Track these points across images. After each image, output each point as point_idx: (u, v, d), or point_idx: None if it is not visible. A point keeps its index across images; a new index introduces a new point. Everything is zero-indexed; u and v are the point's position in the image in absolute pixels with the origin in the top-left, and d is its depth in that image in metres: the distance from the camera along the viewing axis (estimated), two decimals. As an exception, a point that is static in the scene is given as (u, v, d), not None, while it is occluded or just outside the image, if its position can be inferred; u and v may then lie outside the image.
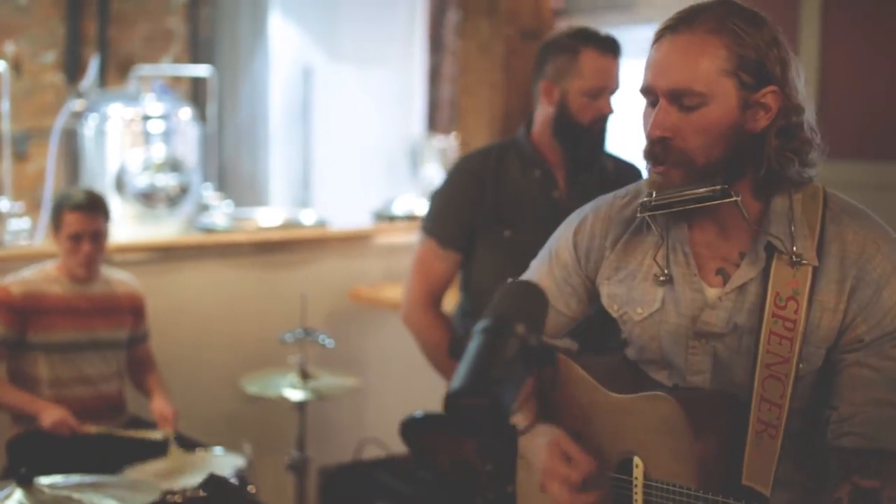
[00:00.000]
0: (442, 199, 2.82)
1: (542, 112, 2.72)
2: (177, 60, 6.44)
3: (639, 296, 1.69)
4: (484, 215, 2.72)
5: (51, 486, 2.49)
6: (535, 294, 1.21)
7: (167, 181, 5.44)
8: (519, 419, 1.72)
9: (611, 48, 2.64)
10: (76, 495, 2.45)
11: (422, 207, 5.63)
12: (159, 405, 3.41)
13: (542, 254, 1.86)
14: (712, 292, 1.63)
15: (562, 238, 1.82)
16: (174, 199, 5.47)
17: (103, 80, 6.10)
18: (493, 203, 2.72)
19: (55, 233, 3.34)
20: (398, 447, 3.80)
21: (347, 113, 6.45)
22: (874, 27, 4.17)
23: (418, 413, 2.94)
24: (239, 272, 4.11)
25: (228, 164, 6.61)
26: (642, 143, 1.61)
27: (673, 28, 1.55)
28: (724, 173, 1.55)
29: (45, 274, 3.35)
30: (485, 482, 2.80)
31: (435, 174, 6.30)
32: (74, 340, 3.32)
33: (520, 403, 1.07)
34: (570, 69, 2.62)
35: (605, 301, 1.76)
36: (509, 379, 1.06)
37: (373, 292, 4.16)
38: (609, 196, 1.79)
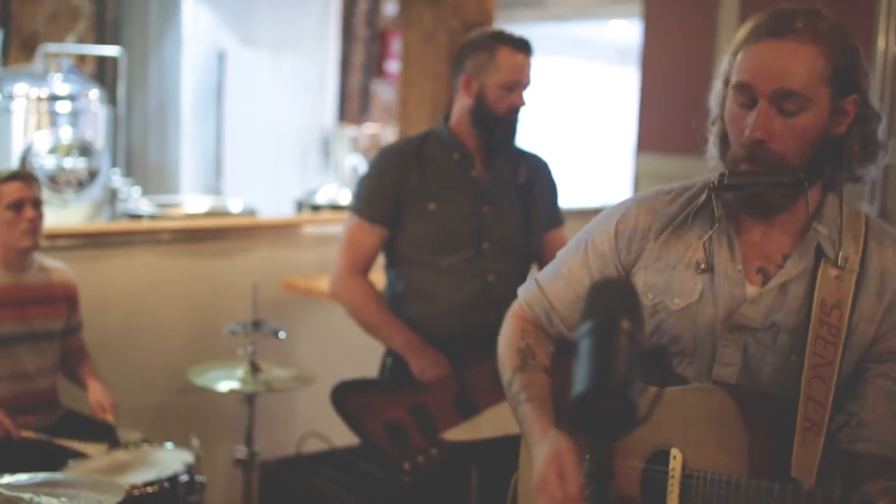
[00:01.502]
0: (368, 182, 3.01)
1: (461, 103, 2.97)
2: (82, 40, 6.21)
3: (678, 286, 1.70)
4: (409, 192, 2.94)
5: (5, 487, 2.37)
6: (627, 289, 1.21)
7: (75, 164, 5.25)
8: (536, 420, 1.71)
9: (524, 47, 2.92)
10: (32, 496, 2.34)
11: (344, 197, 5.58)
12: (97, 395, 3.27)
13: (574, 245, 1.85)
14: (752, 289, 1.66)
15: (599, 229, 1.81)
16: (83, 183, 5.28)
17: (6, 58, 5.84)
18: (417, 180, 2.94)
19: (-12, 211, 3.16)
20: (339, 439, 3.77)
21: (260, 99, 6.34)
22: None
23: (348, 379, 2.95)
24: (169, 260, 3.98)
25: (136, 148, 6.41)
26: (736, 142, 1.63)
27: (776, 32, 1.59)
28: (807, 171, 1.60)
29: (-24, 263, 3.17)
30: (416, 443, 2.85)
31: (347, 163, 6.25)
32: (10, 333, 3.15)
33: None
34: (488, 65, 2.88)
35: (639, 289, 1.75)
36: (631, 377, 1.06)
37: (307, 282, 4.09)
38: (652, 191, 1.81)
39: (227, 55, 6.19)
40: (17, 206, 3.12)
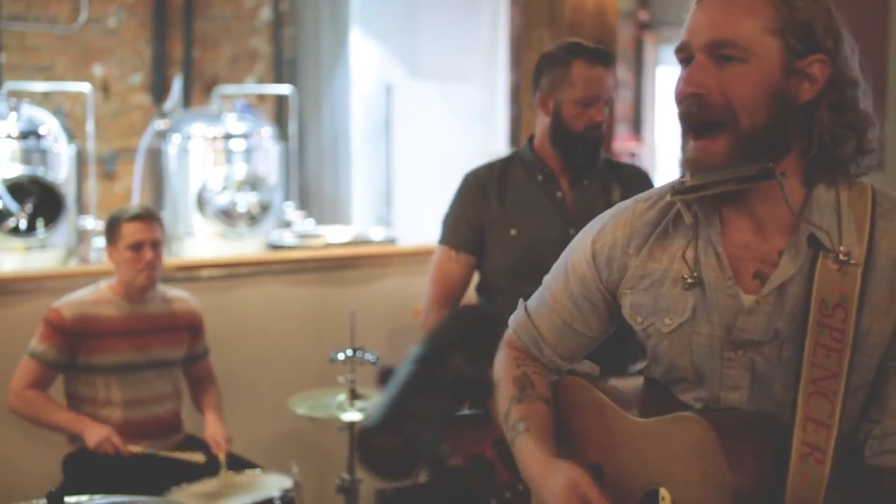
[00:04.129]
0: (452, 210, 2.96)
1: (541, 122, 2.88)
2: (261, 80, 6.51)
3: (666, 304, 1.52)
4: (490, 218, 2.86)
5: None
6: (483, 322, 1.11)
7: (248, 199, 5.48)
8: (536, 452, 1.59)
9: (601, 59, 2.78)
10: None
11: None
12: (212, 430, 3.38)
13: (557, 269, 1.72)
14: (748, 298, 1.45)
15: (578, 249, 1.67)
16: (255, 216, 5.51)
17: (187, 100, 6.21)
18: (498, 205, 2.86)
19: (112, 248, 3.35)
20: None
21: (429, 130, 6.40)
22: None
23: None
24: (301, 289, 4.09)
25: (311, 182, 6.64)
26: (677, 105, 1.45)
27: None
28: (769, 145, 1.40)
29: (98, 294, 3.35)
30: (501, 478, 2.74)
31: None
32: (131, 362, 3.32)
33: (447, 443, 0.97)
34: (563, 80, 2.77)
35: (627, 313, 1.59)
36: (431, 415, 0.97)
37: (437, 311, 4.09)
38: (629, 201, 1.65)
39: (395, 88, 6.31)
40: (136, 247, 3.29)
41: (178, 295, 3.53)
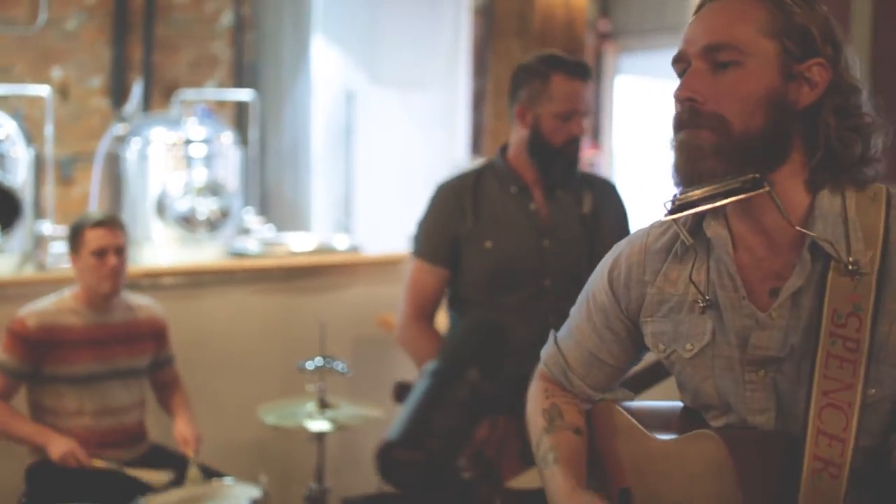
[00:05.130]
0: (425, 222, 2.93)
1: (517, 134, 2.86)
2: (221, 85, 6.45)
3: (687, 330, 1.50)
4: (465, 230, 2.83)
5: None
6: (495, 335, 1.11)
7: (208, 205, 5.42)
8: (562, 482, 1.57)
9: (580, 72, 2.78)
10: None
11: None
12: (182, 428, 3.36)
13: (580, 299, 1.71)
14: (762, 314, 1.43)
15: (597, 279, 1.66)
16: (215, 223, 5.45)
17: (147, 104, 6.14)
18: (473, 218, 2.83)
19: (75, 256, 3.31)
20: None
21: (390, 137, 6.39)
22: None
23: None
24: (265, 297, 4.05)
25: (271, 188, 6.59)
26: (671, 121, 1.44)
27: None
28: (764, 151, 1.38)
29: (62, 303, 3.30)
30: (479, 492, 2.75)
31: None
32: (95, 371, 3.28)
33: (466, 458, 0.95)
34: (542, 93, 2.76)
35: (649, 342, 1.58)
36: (453, 430, 0.96)
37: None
38: (645, 227, 1.63)
39: (357, 95, 6.29)
40: (100, 254, 3.25)
41: (142, 302, 3.49)
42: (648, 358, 1.71)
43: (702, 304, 1.47)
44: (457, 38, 6.65)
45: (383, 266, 4.34)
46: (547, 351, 1.77)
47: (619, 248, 1.65)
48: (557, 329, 2.79)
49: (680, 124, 1.42)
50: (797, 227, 1.39)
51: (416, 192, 7.00)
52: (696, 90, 1.40)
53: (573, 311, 1.74)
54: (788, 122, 1.40)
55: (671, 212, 1.42)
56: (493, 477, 2.75)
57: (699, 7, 1.47)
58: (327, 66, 6.22)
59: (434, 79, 6.53)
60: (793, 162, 1.41)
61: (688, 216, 1.46)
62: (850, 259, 1.36)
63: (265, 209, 6.34)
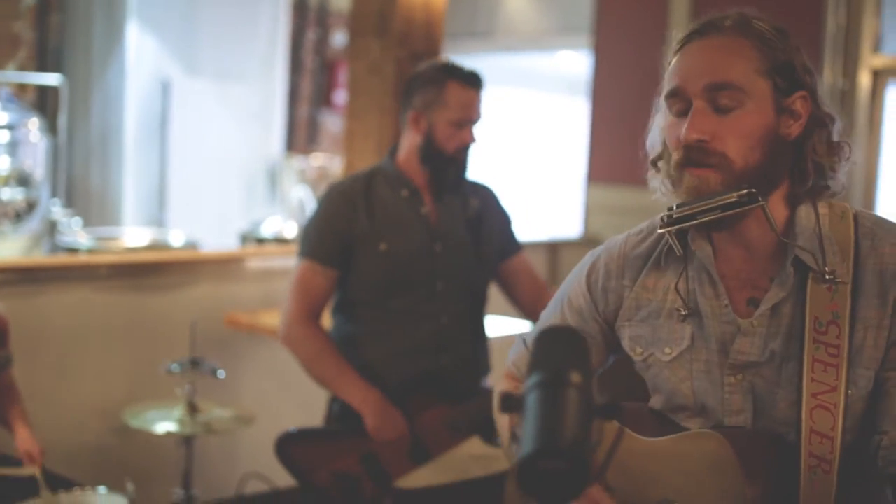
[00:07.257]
0: (316, 223, 2.88)
1: (410, 139, 2.87)
2: (23, 68, 6.06)
3: (665, 334, 1.57)
4: (359, 232, 2.82)
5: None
6: (575, 338, 1.13)
7: (13, 195, 5.12)
8: None
9: (474, 82, 2.80)
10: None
11: (290, 230, 5.47)
12: (25, 442, 3.13)
13: (553, 303, 1.74)
14: (743, 322, 1.51)
15: (574, 283, 1.70)
16: (20, 214, 5.14)
17: (-59, 85, 5.68)
18: (367, 220, 2.83)
19: None
20: (282, 481, 3.65)
21: (206, 129, 6.23)
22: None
23: (293, 429, 2.83)
24: (106, 295, 3.85)
25: (78, 179, 6.26)
26: (676, 151, 1.50)
27: (701, 32, 1.50)
28: (761, 181, 1.46)
29: None
30: (368, 493, 2.74)
31: (294, 195, 6.16)
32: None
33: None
34: (437, 101, 2.78)
35: (626, 345, 1.63)
36: (578, 434, 0.98)
37: (251, 318, 3.98)
38: (621, 236, 1.69)
39: (172, 84, 6.07)
40: None
41: (-18, 300, 3.24)
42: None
43: (684, 313, 1.56)
44: (274, 32, 6.57)
45: (226, 264, 4.22)
46: (516, 352, 1.80)
47: (595, 253, 1.71)
48: (451, 330, 2.87)
49: (688, 162, 1.48)
50: (786, 240, 1.50)
51: (231, 186, 6.86)
52: (705, 130, 1.46)
53: (544, 314, 1.77)
54: (781, 153, 1.50)
55: (669, 224, 1.49)
56: (383, 477, 2.76)
57: (684, 41, 1.53)
58: (142, 54, 5.98)
59: (251, 72, 6.42)
60: (781, 186, 1.53)
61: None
62: (827, 270, 1.48)
63: (72, 201, 6.02)
